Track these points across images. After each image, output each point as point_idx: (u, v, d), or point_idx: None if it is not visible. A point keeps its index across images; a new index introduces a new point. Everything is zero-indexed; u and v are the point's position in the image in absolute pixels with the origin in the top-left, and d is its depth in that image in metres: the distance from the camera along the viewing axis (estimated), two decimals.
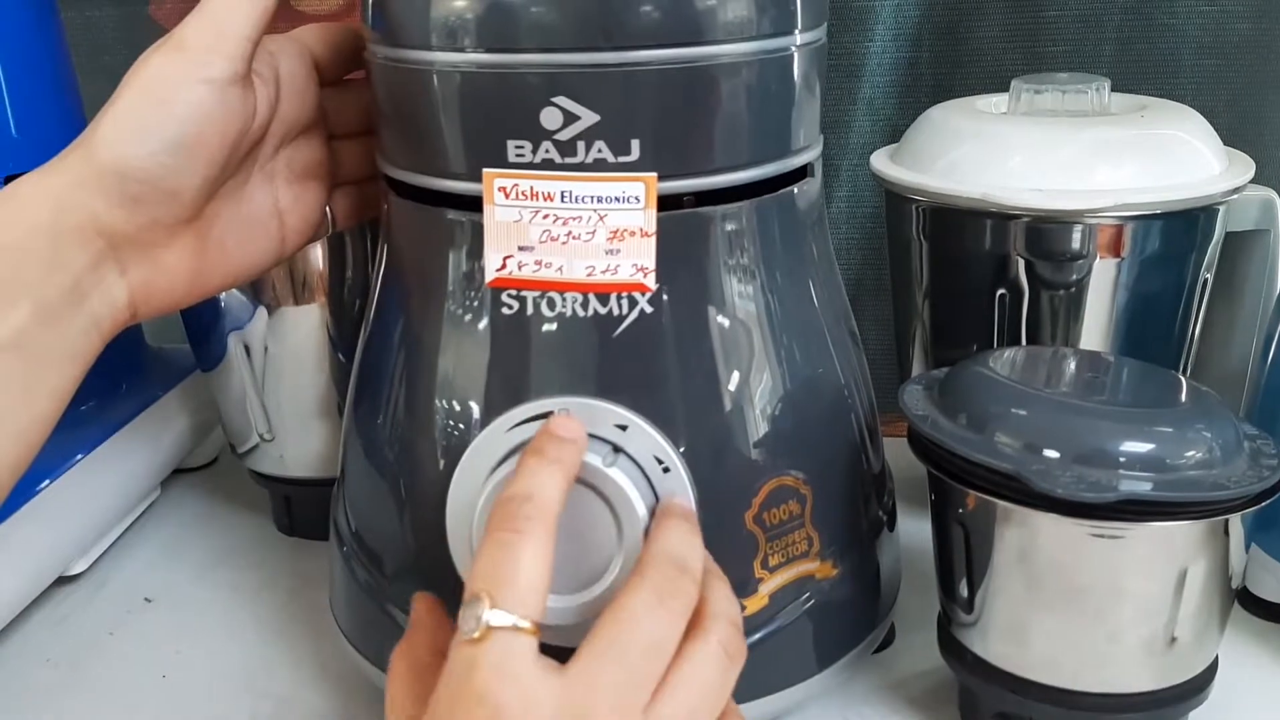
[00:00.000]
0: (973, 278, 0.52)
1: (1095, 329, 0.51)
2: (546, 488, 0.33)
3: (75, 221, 0.37)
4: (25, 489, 0.50)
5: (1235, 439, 0.38)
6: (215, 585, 0.56)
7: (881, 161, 0.56)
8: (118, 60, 0.72)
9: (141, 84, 0.38)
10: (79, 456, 0.54)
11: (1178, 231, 0.50)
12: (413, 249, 0.42)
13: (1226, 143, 0.57)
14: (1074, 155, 0.49)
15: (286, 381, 0.55)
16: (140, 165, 0.37)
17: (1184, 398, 0.40)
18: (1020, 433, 0.38)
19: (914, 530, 0.50)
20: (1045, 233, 0.49)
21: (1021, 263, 0.51)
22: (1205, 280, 0.53)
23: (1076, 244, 0.49)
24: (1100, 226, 0.49)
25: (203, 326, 0.55)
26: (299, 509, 0.59)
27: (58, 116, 0.56)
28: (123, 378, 0.59)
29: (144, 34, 0.77)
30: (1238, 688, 0.44)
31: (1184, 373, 0.54)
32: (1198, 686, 0.40)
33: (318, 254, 0.53)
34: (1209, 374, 0.57)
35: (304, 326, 0.54)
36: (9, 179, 0.52)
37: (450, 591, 0.36)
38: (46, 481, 0.52)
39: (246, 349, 0.55)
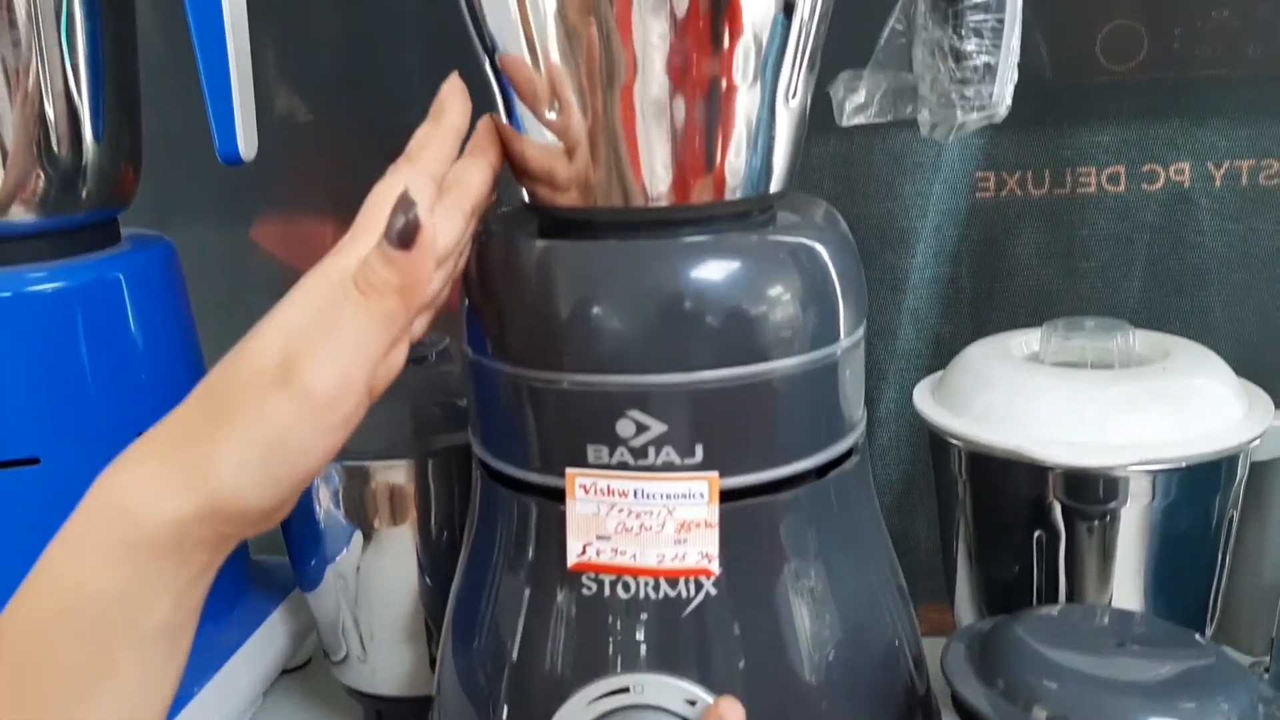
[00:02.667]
0: (1011, 516, 0.56)
1: (1128, 566, 0.55)
2: None
3: (199, 538, 0.39)
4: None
5: (1250, 708, 0.42)
6: None
7: (924, 399, 0.60)
8: (219, 280, 0.79)
9: (268, 439, 0.37)
10: (196, 690, 0.59)
11: (1203, 478, 0.54)
12: (501, 524, 0.47)
13: (1256, 353, 0.61)
14: (1102, 409, 0.54)
15: (378, 604, 0.60)
16: (266, 506, 0.38)
17: (1207, 666, 0.44)
18: (1051, 705, 0.42)
19: None
20: (1077, 481, 0.54)
21: (1057, 506, 0.55)
22: (1232, 517, 0.56)
23: (1107, 492, 0.53)
24: (1129, 477, 0.53)
25: (305, 552, 0.61)
26: None
27: (181, 360, 0.62)
28: (233, 599, 0.64)
29: (245, 254, 0.84)
30: None
31: (1215, 600, 0.58)
32: None
33: (409, 486, 0.59)
34: (1240, 598, 0.60)
35: (396, 552, 0.60)
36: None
37: None
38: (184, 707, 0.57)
39: (343, 576, 0.60)
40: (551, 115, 0.43)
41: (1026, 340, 0.62)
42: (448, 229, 0.43)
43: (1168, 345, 0.59)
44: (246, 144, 0.58)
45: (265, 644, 0.65)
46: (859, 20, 0.50)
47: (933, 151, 0.73)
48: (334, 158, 0.82)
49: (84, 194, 0.59)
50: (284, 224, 0.84)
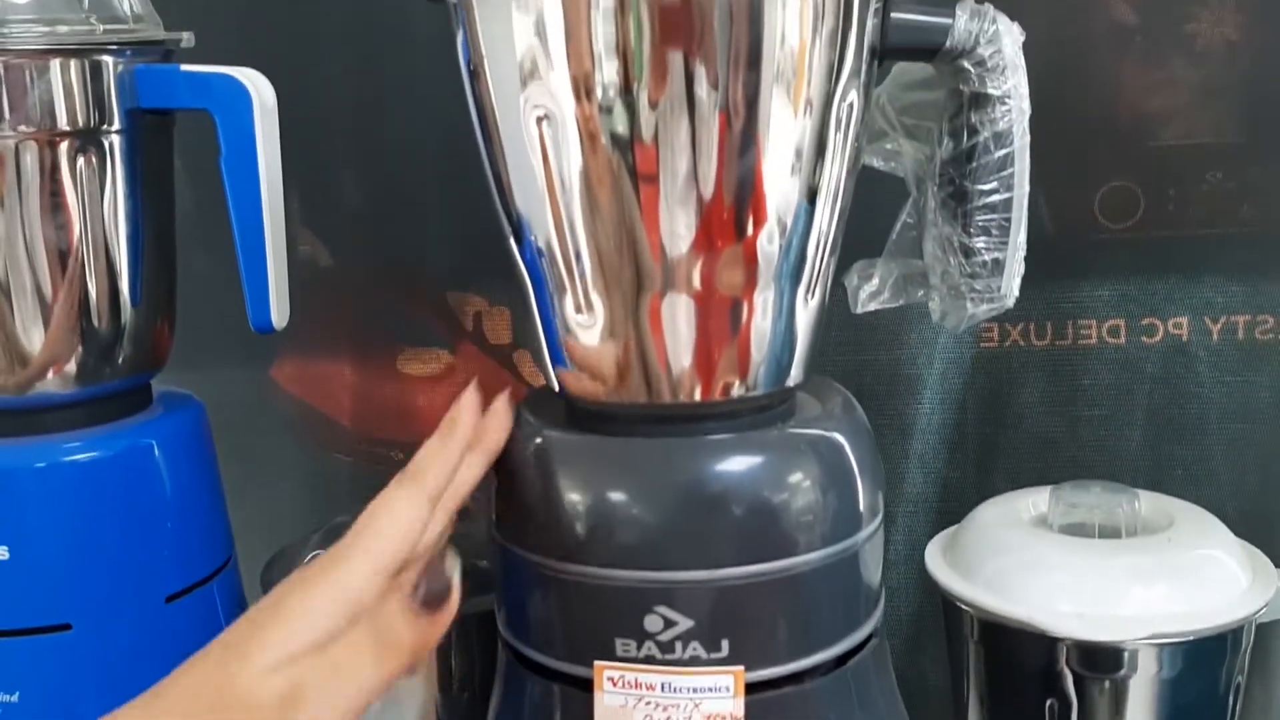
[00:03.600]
0: (1023, 681, 0.57)
1: None
2: None
3: None
4: None
5: None
6: None
7: (935, 560, 0.62)
8: (239, 417, 0.81)
9: None
10: None
11: (1210, 650, 0.55)
12: (527, 708, 0.48)
13: (1256, 504, 0.62)
14: (1111, 582, 0.55)
15: None
16: None
17: None
18: None
19: None
20: (1088, 652, 0.55)
21: (1069, 674, 0.56)
22: (1239, 683, 0.58)
23: (1117, 664, 0.55)
24: (1139, 649, 0.55)
25: None
26: None
27: (207, 519, 0.64)
28: None
29: (265, 392, 0.86)
30: None
31: None
32: None
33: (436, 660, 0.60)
34: None
35: (413, 706, 0.60)
36: (169, 598, 0.60)
37: None
38: None
39: None
40: (581, 317, 0.45)
41: (1034, 501, 0.63)
42: (433, 529, 0.43)
43: (1172, 511, 0.61)
44: (279, 314, 0.60)
45: None
46: (872, 212, 0.53)
47: None
48: (353, 300, 0.84)
49: (120, 361, 0.61)
50: (303, 364, 0.86)
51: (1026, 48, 0.68)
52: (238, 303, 0.60)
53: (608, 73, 0.41)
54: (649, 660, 0.44)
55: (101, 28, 0.57)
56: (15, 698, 0.56)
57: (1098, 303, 0.76)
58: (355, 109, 0.78)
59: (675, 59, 0.41)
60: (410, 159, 0.79)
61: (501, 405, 0.47)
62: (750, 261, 0.45)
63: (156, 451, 0.61)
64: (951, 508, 0.69)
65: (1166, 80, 0.74)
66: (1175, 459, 0.76)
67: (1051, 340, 0.77)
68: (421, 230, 0.81)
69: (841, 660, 0.46)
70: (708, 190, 0.43)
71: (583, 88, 0.42)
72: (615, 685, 0.44)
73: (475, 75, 0.45)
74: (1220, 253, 0.74)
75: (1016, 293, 0.50)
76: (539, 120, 0.43)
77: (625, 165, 0.42)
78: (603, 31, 0.41)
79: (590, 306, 0.45)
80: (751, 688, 0.44)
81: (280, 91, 0.58)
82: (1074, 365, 0.77)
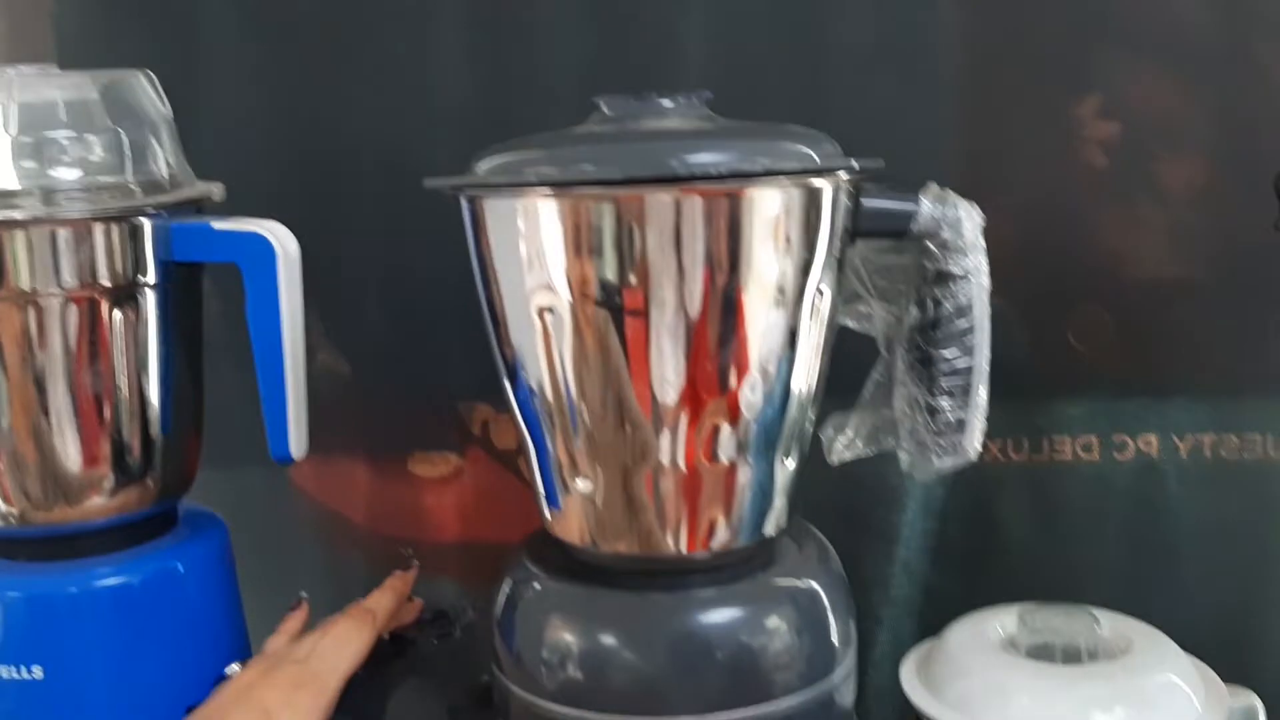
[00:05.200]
0: None
1: None
2: None
3: None
4: None
5: None
6: None
7: (909, 677, 0.65)
8: (259, 517, 0.85)
9: None
10: None
11: None
12: None
13: (1230, 622, 0.66)
14: (1070, 709, 0.59)
15: None
16: None
17: None
18: None
19: None
20: None
21: None
22: None
23: None
24: None
25: None
26: None
27: (230, 631, 0.68)
28: None
29: (284, 494, 0.90)
30: None
31: None
32: None
33: None
34: None
35: None
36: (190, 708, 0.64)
37: None
38: None
39: None
40: (575, 480, 0.50)
41: (1003, 623, 0.67)
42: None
43: (1131, 634, 0.64)
44: (298, 447, 0.65)
45: None
46: (845, 363, 0.57)
47: None
48: (368, 406, 0.88)
49: (150, 487, 0.65)
50: (320, 466, 0.91)
51: (1006, 190, 0.73)
52: (259, 412, 0.65)
53: (602, 271, 0.46)
54: None
55: (140, 192, 0.62)
56: None
57: (1070, 420, 0.80)
58: (378, 237, 0.83)
59: (664, 261, 0.46)
60: (426, 279, 0.84)
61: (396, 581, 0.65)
62: (733, 428, 0.49)
63: (181, 570, 0.65)
64: (934, 610, 0.72)
65: (1136, 218, 0.78)
66: (1148, 576, 0.79)
67: (1028, 455, 0.81)
68: (434, 342, 0.86)
69: None
70: (693, 367, 0.48)
71: (579, 285, 0.46)
72: None
73: (481, 260, 0.50)
74: (1187, 375, 0.79)
75: (979, 448, 0.55)
76: (540, 310, 0.48)
77: (618, 350, 0.47)
78: (595, 238, 0.46)
79: (583, 467, 0.50)
80: None
81: (306, 220, 0.63)
82: (1049, 479, 0.81)
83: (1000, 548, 0.82)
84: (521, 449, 0.83)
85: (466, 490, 0.89)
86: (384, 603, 0.63)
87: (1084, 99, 0.77)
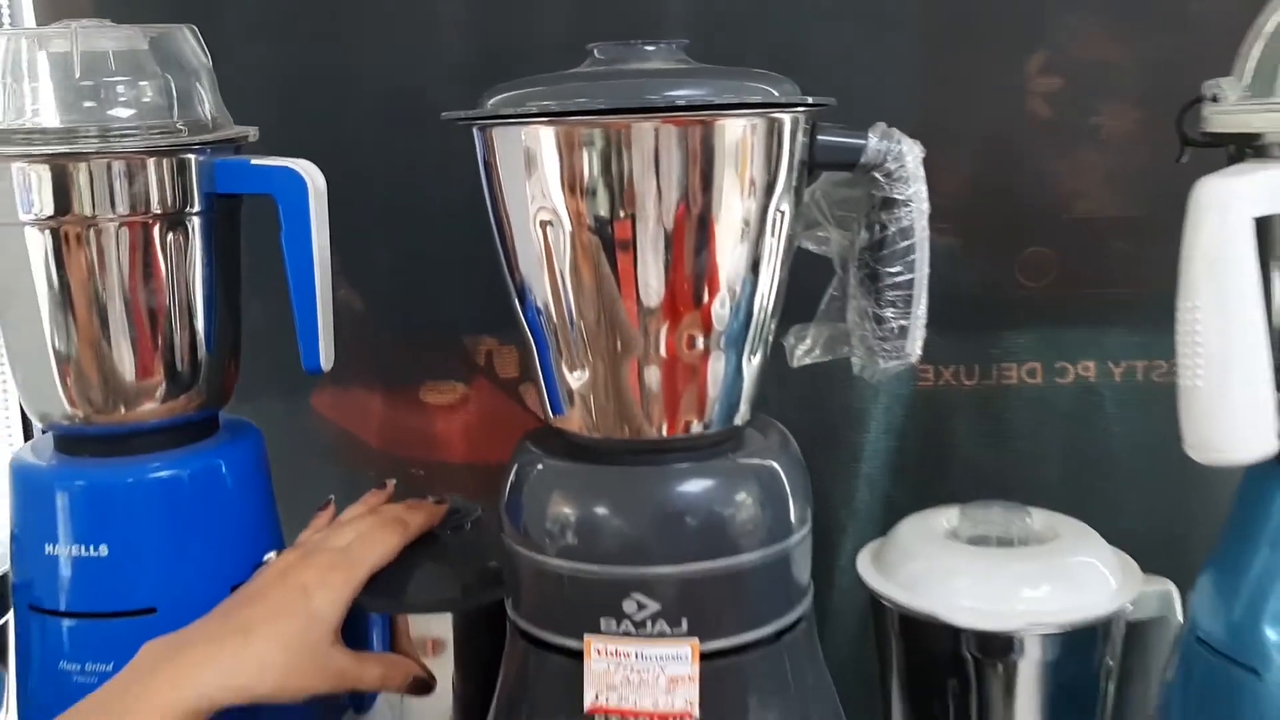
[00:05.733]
0: (933, 664, 0.70)
1: (1026, 707, 0.69)
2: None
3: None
4: None
5: None
6: None
7: (865, 565, 0.74)
8: (284, 440, 0.94)
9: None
10: None
11: (1083, 638, 0.68)
12: (530, 675, 0.61)
13: (1158, 525, 0.75)
14: (1004, 584, 0.68)
15: None
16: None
17: None
18: None
19: None
20: (984, 640, 0.68)
21: (969, 658, 0.69)
22: (1109, 666, 0.70)
23: (1007, 649, 0.68)
24: (1025, 638, 0.67)
25: None
26: None
27: (264, 524, 0.77)
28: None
29: (307, 420, 0.99)
30: None
31: None
32: None
33: (448, 634, 0.72)
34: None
35: (437, 688, 0.73)
36: (233, 587, 0.72)
37: None
38: None
39: (391, 703, 0.74)
40: (573, 373, 0.59)
41: (948, 517, 0.76)
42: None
43: (1058, 525, 0.74)
44: (326, 359, 0.73)
45: None
46: (806, 285, 0.66)
47: None
48: (382, 339, 0.97)
49: (195, 396, 0.74)
50: (338, 395, 0.99)
51: (959, 138, 0.81)
52: (284, 343, 0.74)
53: (597, 191, 0.55)
54: (626, 635, 0.57)
55: (186, 132, 0.70)
56: (110, 667, 0.69)
57: (1017, 349, 0.89)
58: (387, 181, 0.92)
59: (646, 182, 0.54)
60: (433, 223, 0.92)
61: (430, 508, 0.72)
62: (706, 330, 0.58)
63: (224, 469, 0.74)
64: (892, 520, 0.80)
65: (1077, 164, 0.87)
66: (1085, 486, 0.88)
67: (979, 380, 0.90)
68: (442, 281, 0.95)
69: (777, 637, 0.59)
70: (672, 275, 0.56)
71: (574, 203, 0.55)
72: (600, 654, 0.57)
73: (490, 179, 0.59)
74: (1122, 309, 0.87)
75: (919, 352, 0.63)
76: (543, 225, 0.56)
77: (608, 257, 0.56)
78: (588, 161, 0.54)
79: (581, 364, 0.59)
80: (705, 656, 0.57)
81: (322, 166, 0.71)
82: (998, 402, 0.90)
83: (952, 463, 0.90)
84: (526, 370, 0.93)
85: (472, 416, 0.98)
86: (417, 519, 0.71)
87: (1031, 56, 0.86)
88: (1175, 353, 0.56)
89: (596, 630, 0.57)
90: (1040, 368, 0.89)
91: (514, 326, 0.92)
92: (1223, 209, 0.53)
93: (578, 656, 0.57)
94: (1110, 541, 0.73)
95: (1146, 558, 0.74)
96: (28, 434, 1.06)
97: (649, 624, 0.57)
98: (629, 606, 0.57)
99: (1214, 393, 0.54)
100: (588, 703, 0.57)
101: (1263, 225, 0.56)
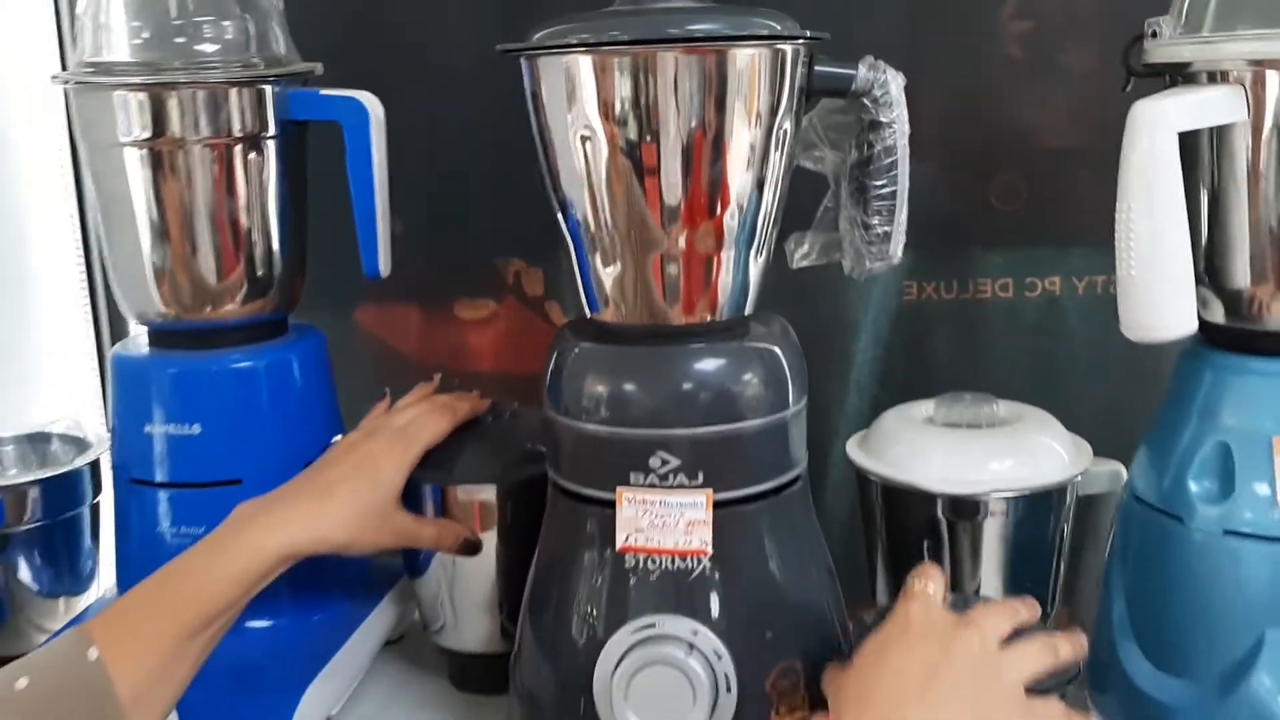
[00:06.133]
0: (912, 528, 0.81)
1: (991, 562, 0.80)
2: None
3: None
4: (312, 671, 0.80)
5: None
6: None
7: (854, 449, 0.86)
8: (333, 349, 1.04)
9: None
10: (333, 653, 0.83)
11: (1040, 503, 0.79)
12: (569, 526, 0.72)
13: (1112, 419, 0.86)
14: (973, 458, 0.79)
15: (468, 586, 0.85)
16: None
17: None
18: None
19: None
20: (956, 505, 0.79)
21: (943, 521, 0.80)
22: (1064, 529, 0.82)
23: (975, 512, 0.79)
24: (992, 502, 0.79)
25: (416, 550, 0.86)
26: (469, 673, 0.88)
27: (327, 411, 0.88)
28: (356, 590, 0.89)
29: (351, 333, 1.09)
30: None
31: (1054, 586, 0.83)
32: None
33: (494, 503, 0.83)
34: (1081, 596, 0.85)
35: (485, 550, 0.84)
36: (306, 464, 0.83)
37: None
38: (321, 669, 0.81)
39: (444, 565, 0.85)
40: (607, 269, 0.69)
41: (925, 408, 0.87)
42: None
43: (1021, 411, 0.85)
44: (384, 264, 0.84)
45: (379, 620, 0.90)
46: (805, 195, 0.76)
47: None
48: (419, 260, 1.07)
49: (269, 300, 0.84)
50: (380, 311, 1.10)
51: (941, 77, 0.91)
52: (329, 265, 0.84)
53: (628, 112, 0.65)
54: (652, 486, 0.68)
55: (263, 65, 0.80)
56: (201, 530, 0.79)
57: (991, 266, 1.00)
58: (427, 117, 1.01)
59: (668, 102, 0.65)
60: (469, 154, 1.03)
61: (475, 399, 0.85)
62: (718, 232, 0.68)
63: (294, 363, 0.85)
64: None
65: (1045, 99, 0.97)
66: (1050, 385, 0.99)
67: (957, 294, 1.01)
68: (475, 208, 1.05)
69: (776, 491, 0.70)
70: (690, 185, 0.67)
71: (610, 120, 0.65)
72: (630, 503, 0.68)
73: (536, 106, 0.69)
74: (1084, 230, 0.98)
75: (900, 254, 0.74)
76: (582, 139, 0.66)
77: (636, 169, 0.66)
78: (621, 87, 0.65)
79: (613, 261, 0.69)
80: (717, 505, 0.68)
81: None
82: (973, 313, 1.01)
83: (932, 368, 1.01)
84: (549, 289, 1.03)
85: (501, 330, 1.09)
86: (463, 407, 0.82)
87: (1005, 2, 0.96)
88: None
89: (626, 483, 0.68)
90: (1011, 283, 1.00)
91: (540, 249, 1.04)
92: (1152, 126, 0.64)
93: (610, 506, 0.68)
94: (1070, 429, 0.84)
95: (1100, 443, 0.85)
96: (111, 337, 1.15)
97: (670, 477, 0.67)
98: (654, 462, 0.67)
99: (1143, 281, 0.65)
100: (620, 543, 0.68)
101: (1191, 142, 0.67)
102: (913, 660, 0.59)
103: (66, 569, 0.93)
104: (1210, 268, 0.70)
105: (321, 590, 0.85)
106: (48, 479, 0.90)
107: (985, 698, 0.58)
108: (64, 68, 1.08)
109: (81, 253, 1.08)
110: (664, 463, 0.68)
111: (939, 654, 0.59)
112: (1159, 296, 0.65)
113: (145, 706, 0.64)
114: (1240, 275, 0.69)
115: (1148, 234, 0.65)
